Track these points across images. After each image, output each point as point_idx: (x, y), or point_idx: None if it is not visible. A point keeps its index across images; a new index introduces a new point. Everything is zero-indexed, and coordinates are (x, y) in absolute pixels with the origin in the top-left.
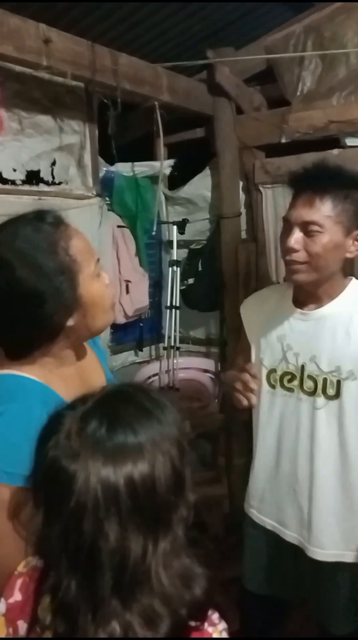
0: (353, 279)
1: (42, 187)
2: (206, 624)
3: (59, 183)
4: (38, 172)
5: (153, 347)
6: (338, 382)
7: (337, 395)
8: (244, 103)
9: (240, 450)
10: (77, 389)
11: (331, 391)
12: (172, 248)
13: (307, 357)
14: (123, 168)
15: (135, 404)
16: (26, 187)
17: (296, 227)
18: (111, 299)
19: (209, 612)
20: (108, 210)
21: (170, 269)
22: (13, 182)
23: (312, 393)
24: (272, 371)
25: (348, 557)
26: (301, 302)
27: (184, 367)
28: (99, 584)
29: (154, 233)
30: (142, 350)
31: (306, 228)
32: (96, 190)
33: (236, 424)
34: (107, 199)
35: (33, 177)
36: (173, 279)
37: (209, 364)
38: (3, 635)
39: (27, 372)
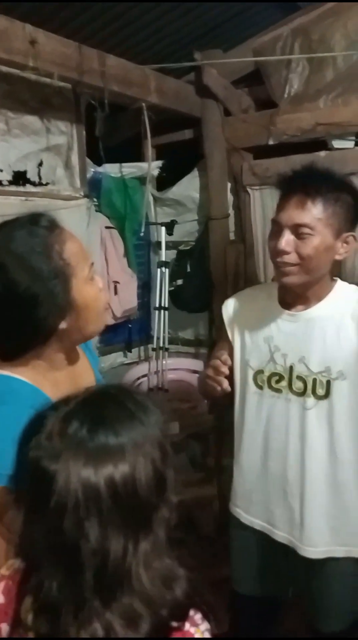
0: (339, 280)
1: (30, 188)
2: (188, 624)
3: (46, 184)
4: (25, 172)
5: (142, 348)
6: (328, 382)
7: (327, 395)
8: (232, 105)
9: (230, 450)
10: (68, 393)
11: (321, 391)
12: (160, 249)
13: (296, 358)
14: (111, 169)
15: (117, 405)
16: (13, 188)
17: (287, 229)
18: (104, 303)
19: (192, 613)
20: (96, 211)
21: (159, 270)
22: (0, 183)
23: (302, 394)
24: (259, 372)
25: (338, 553)
26: (289, 303)
27: (173, 368)
28: (80, 584)
29: (142, 234)
30: (131, 352)
31: (298, 230)
32: (83, 191)
33: (225, 424)
34: (95, 200)
35: (20, 178)
36: (162, 280)
37: (198, 364)
38: None
39: (19, 374)
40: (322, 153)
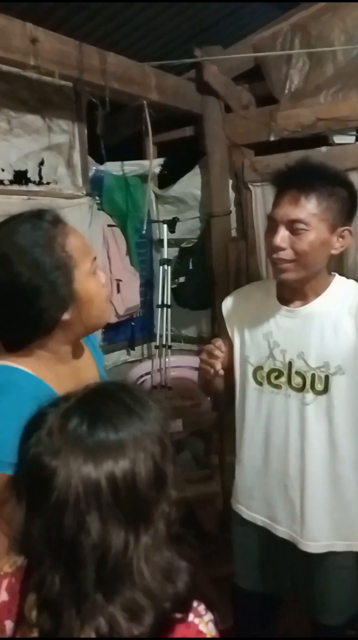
0: (337, 275)
1: (32, 187)
2: (191, 615)
3: (47, 183)
4: (25, 172)
5: (145, 346)
6: (327, 377)
7: (326, 390)
8: (232, 101)
9: (233, 448)
10: (72, 385)
11: (319, 386)
12: (163, 247)
13: (295, 353)
14: (113, 167)
15: (116, 401)
16: (15, 187)
17: (282, 226)
18: (107, 297)
19: (195, 604)
20: (98, 209)
21: (161, 267)
22: (1, 182)
23: (301, 389)
24: (259, 368)
25: (338, 547)
26: (287, 299)
27: (176, 365)
28: (82, 579)
29: (144, 232)
30: (134, 349)
31: (293, 226)
32: (85, 189)
33: (229, 422)
34: (97, 198)
35: (21, 177)
36: (164, 277)
37: None
38: None
39: (24, 365)
40: (323, 148)
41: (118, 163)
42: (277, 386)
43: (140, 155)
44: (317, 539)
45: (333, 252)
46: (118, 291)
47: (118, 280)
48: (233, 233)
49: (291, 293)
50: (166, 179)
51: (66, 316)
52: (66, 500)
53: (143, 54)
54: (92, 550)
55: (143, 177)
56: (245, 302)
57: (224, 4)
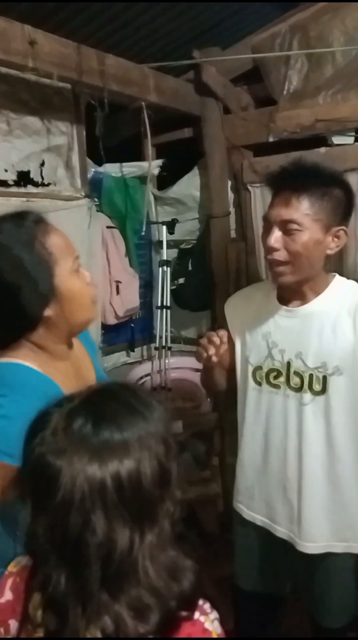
0: (337, 275)
1: (31, 189)
2: (197, 613)
3: (49, 184)
4: (28, 172)
5: (145, 347)
6: (325, 377)
7: (323, 390)
8: (231, 103)
9: (234, 449)
10: (73, 383)
11: (317, 387)
12: (162, 248)
13: (293, 353)
14: (112, 169)
15: (120, 401)
16: (14, 189)
17: (275, 226)
18: (91, 296)
19: (201, 602)
20: (97, 211)
21: (160, 269)
22: (5, 183)
23: (299, 389)
24: (258, 368)
25: (336, 548)
26: (286, 299)
27: (176, 367)
28: (87, 578)
29: (143, 233)
30: (134, 351)
31: (286, 227)
32: (84, 191)
33: (229, 423)
34: (96, 199)
35: (23, 178)
36: (164, 279)
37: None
38: None
39: (28, 362)
40: (322, 149)
41: (117, 165)
42: (276, 386)
43: (139, 156)
44: (315, 539)
45: (329, 252)
46: (117, 293)
47: (117, 282)
48: (233, 234)
49: (291, 293)
50: (165, 180)
51: (48, 312)
52: (71, 500)
53: (142, 56)
54: (98, 549)
55: (142, 179)
56: (246, 302)
57: (223, 5)
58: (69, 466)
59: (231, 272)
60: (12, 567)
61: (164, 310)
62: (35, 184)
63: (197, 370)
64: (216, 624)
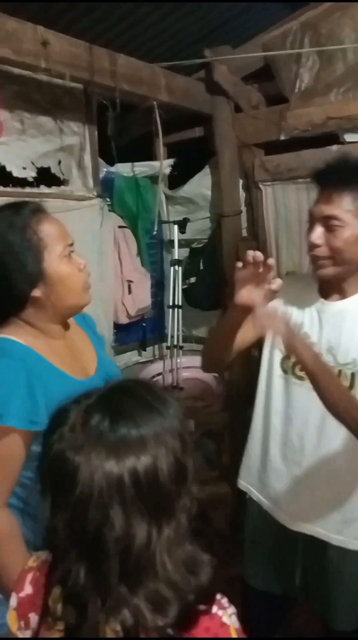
0: None
1: (44, 189)
2: (215, 607)
3: (65, 180)
4: (49, 168)
5: (156, 346)
6: (353, 374)
7: (351, 387)
8: (242, 101)
9: (244, 448)
10: (64, 358)
11: (345, 383)
12: (173, 247)
13: (324, 347)
14: (123, 168)
15: (137, 397)
16: (27, 190)
17: (317, 222)
18: (82, 282)
19: (219, 597)
20: (109, 211)
21: (172, 268)
22: (24, 180)
23: None
24: (286, 357)
25: (352, 545)
26: (326, 293)
27: (187, 366)
28: (106, 572)
29: (155, 233)
30: (145, 350)
31: (327, 223)
32: (96, 191)
33: (240, 422)
34: (108, 199)
35: (44, 174)
36: (175, 278)
37: None
38: (15, 629)
39: (12, 335)
40: (334, 147)
41: (128, 164)
42: (301, 378)
43: (150, 156)
44: (330, 531)
45: None
46: (129, 292)
47: (129, 281)
48: (244, 233)
49: (330, 287)
50: (176, 179)
51: (36, 293)
52: (89, 495)
53: (153, 55)
54: (116, 543)
55: (153, 178)
56: (284, 290)
57: (232, 4)
58: (87, 462)
59: None
60: (31, 562)
61: (176, 309)
62: (57, 180)
63: None
64: (234, 618)
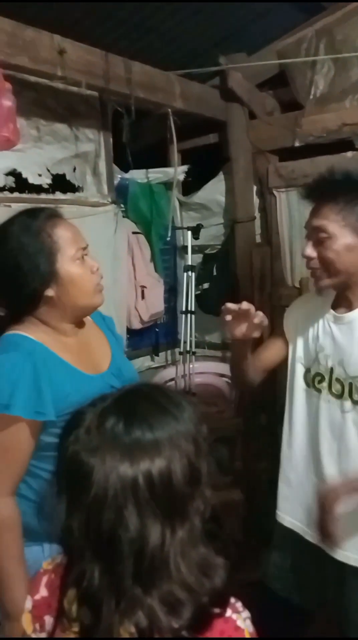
0: None
1: (59, 196)
2: (229, 611)
3: (80, 187)
4: (64, 175)
5: (169, 352)
6: None
7: None
8: (257, 107)
9: (258, 454)
10: (76, 354)
11: (357, 396)
12: (187, 253)
13: (336, 360)
14: (137, 175)
15: (151, 401)
16: (42, 196)
17: (310, 236)
18: (94, 283)
19: (233, 600)
20: (123, 217)
21: (185, 274)
22: (40, 187)
23: (340, 396)
24: (307, 371)
25: None
26: (337, 305)
27: (200, 371)
28: (120, 573)
29: (168, 239)
30: (158, 355)
31: (317, 235)
32: (111, 197)
33: (253, 428)
34: (122, 205)
35: (59, 181)
36: (188, 283)
37: (225, 368)
38: (30, 631)
39: (24, 332)
40: (349, 154)
41: (143, 171)
42: (319, 390)
43: (164, 162)
44: (348, 548)
45: None
46: (142, 297)
47: (143, 287)
48: (258, 239)
49: (338, 299)
50: (190, 185)
51: (49, 292)
52: (104, 496)
53: (168, 62)
54: (130, 544)
55: (168, 185)
56: (303, 305)
57: (247, 10)
58: (102, 464)
59: (255, 276)
60: (47, 565)
61: (189, 315)
62: (72, 187)
63: (221, 375)
64: (248, 622)
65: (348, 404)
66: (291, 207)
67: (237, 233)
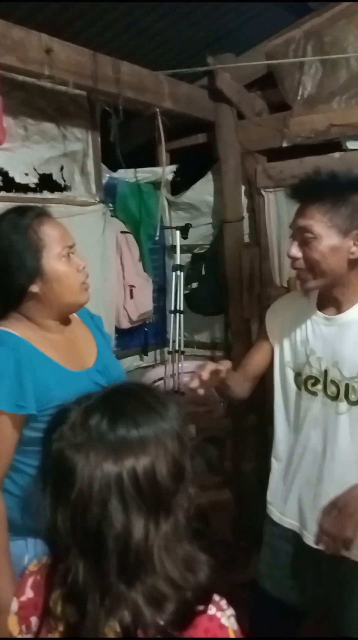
0: None
1: (47, 195)
2: (214, 608)
3: (68, 187)
4: (50, 175)
5: (158, 351)
6: None
7: None
8: (245, 108)
9: (247, 454)
10: (60, 351)
11: (353, 397)
12: (175, 253)
13: (330, 362)
14: (126, 174)
15: (137, 399)
16: (30, 195)
17: (295, 236)
18: (79, 281)
19: (218, 598)
20: (111, 216)
21: (174, 273)
22: (26, 186)
23: (335, 398)
24: (298, 374)
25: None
26: (324, 306)
27: (189, 371)
28: (105, 568)
29: (157, 238)
30: (147, 355)
31: (302, 236)
32: (99, 196)
33: (242, 428)
34: (110, 205)
35: (46, 180)
36: (177, 283)
37: None
38: (16, 633)
39: (8, 328)
40: (336, 154)
41: (131, 170)
42: (314, 393)
43: (153, 162)
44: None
45: (351, 257)
46: (131, 297)
47: (131, 286)
48: (246, 239)
49: (326, 300)
50: (179, 185)
51: (34, 288)
52: (88, 493)
53: (157, 63)
54: (115, 540)
55: (156, 184)
56: (287, 307)
57: (236, 12)
58: (86, 460)
59: (244, 276)
60: (32, 567)
61: (178, 314)
62: (59, 187)
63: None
64: (233, 620)
65: (343, 405)
66: (279, 208)
67: (226, 233)
